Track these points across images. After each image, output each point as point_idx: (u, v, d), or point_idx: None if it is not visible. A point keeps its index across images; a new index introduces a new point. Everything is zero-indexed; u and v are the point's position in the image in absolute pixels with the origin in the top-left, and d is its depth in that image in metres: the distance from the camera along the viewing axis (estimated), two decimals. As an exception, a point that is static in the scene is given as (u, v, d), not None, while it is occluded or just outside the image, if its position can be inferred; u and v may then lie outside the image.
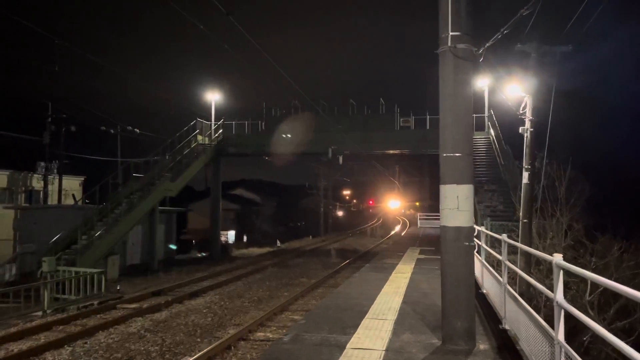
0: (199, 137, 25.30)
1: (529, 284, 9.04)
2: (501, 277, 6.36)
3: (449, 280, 6.12)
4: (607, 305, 10.38)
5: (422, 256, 18.00)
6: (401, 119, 25.30)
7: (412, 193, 77.98)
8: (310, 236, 43.94)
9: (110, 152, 28.07)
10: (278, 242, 34.87)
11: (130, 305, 12.85)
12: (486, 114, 24.78)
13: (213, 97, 27.41)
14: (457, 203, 6.02)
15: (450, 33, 6.03)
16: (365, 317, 7.77)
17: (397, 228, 50.25)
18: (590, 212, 13.77)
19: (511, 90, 12.57)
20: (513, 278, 9.18)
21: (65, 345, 9.14)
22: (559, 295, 3.65)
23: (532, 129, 11.87)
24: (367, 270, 14.32)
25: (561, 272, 3.70)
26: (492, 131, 23.88)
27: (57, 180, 25.71)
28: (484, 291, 8.46)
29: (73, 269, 13.96)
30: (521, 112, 12.10)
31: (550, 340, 3.86)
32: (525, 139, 12.03)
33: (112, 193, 20.22)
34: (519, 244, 7.57)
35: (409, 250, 20.67)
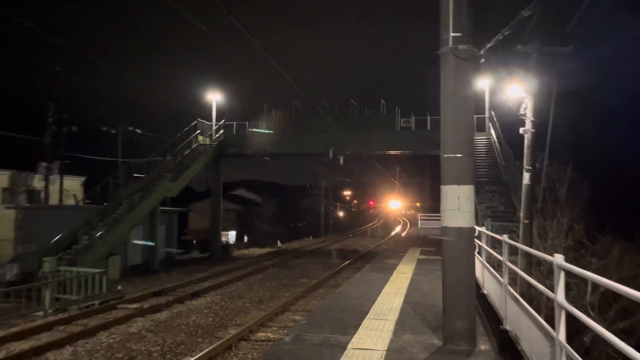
0: (200, 138, 25.31)
1: (529, 285, 9.05)
2: (502, 277, 6.36)
3: (450, 280, 6.13)
4: (607, 306, 10.39)
5: (423, 257, 17.99)
6: (402, 120, 25.26)
7: (413, 194, 77.88)
8: (311, 236, 43.98)
9: (111, 152, 28.07)
10: (279, 242, 34.85)
11: (131, 305, 12.87)
12: (487, 114, 24.71)
13: (214, 97, 27.40)
14: (458, 204, 6.03)
15: (452, 34, 6.04)
16: (366, 317, 7.78)
17: (398, 228, 50.31)
18: (591, 212, 13.78)
19: (512, 91, 12.55)
20: (514, 279, 9.18)
21: (67, 345, 9.16)
22: (560, 296, 3.66)
23: (532, 130, 11.86)
24: (368, 270, 14.32)
25: (562, 272, 3.71)
26: (493, 132, 23.83)
27: (58, 181, 25.73)
28: (485, 292, 8.46)
29: (74, 269, 13.96)
30: (522, 112, 12.10)
31: (551, 340, 3.86)
32: (525, 139, 12.02)
33: (113, 193, 20.23)
34: (519, 245, 7.59)
35: (409, 250, 20.66)
